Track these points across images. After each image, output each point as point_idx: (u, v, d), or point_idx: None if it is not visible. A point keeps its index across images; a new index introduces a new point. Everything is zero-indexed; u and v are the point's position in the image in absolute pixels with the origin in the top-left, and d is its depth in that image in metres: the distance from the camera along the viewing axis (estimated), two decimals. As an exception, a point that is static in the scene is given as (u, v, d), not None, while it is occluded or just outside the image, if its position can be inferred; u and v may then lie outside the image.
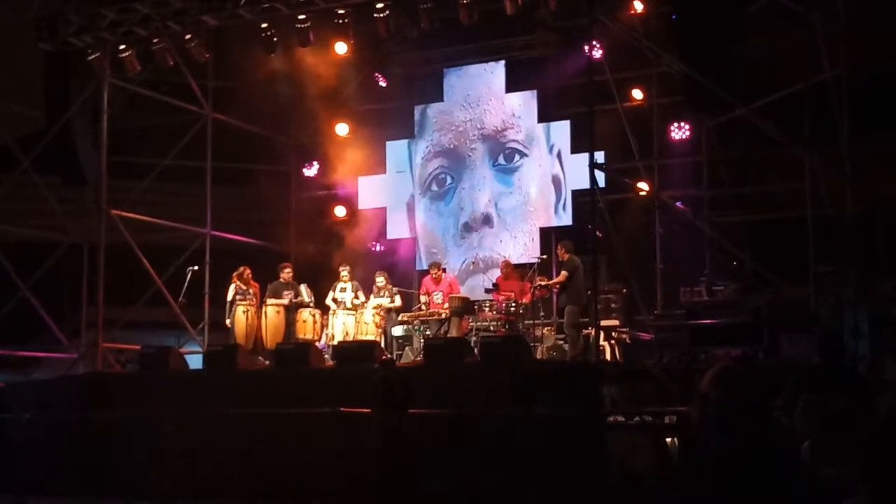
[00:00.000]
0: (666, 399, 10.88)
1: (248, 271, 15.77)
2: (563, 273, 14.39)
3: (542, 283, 14.74)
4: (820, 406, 7.54)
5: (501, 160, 18.02)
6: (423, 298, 15.80)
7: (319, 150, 19.07)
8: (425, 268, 17.24)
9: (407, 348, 15.31)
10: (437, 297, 15.45)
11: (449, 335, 14.57)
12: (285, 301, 15.65)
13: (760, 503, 7.80)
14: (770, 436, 7.91)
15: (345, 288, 15.84)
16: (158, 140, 18.12)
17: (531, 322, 14.63)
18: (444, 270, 16.21)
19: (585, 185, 13.97)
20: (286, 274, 16.06)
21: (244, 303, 15.42)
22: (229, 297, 15.63)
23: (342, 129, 18.89)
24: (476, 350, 13.35)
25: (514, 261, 16.38)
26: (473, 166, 18.22)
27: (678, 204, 16.06)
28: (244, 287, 15.60)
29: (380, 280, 15.88)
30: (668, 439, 10.87)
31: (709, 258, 15.33)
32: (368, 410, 11.27)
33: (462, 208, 18.23)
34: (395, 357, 14.47)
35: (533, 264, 15.48)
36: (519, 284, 15.03)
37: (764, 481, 7.76)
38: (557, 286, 14.64)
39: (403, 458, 10.81)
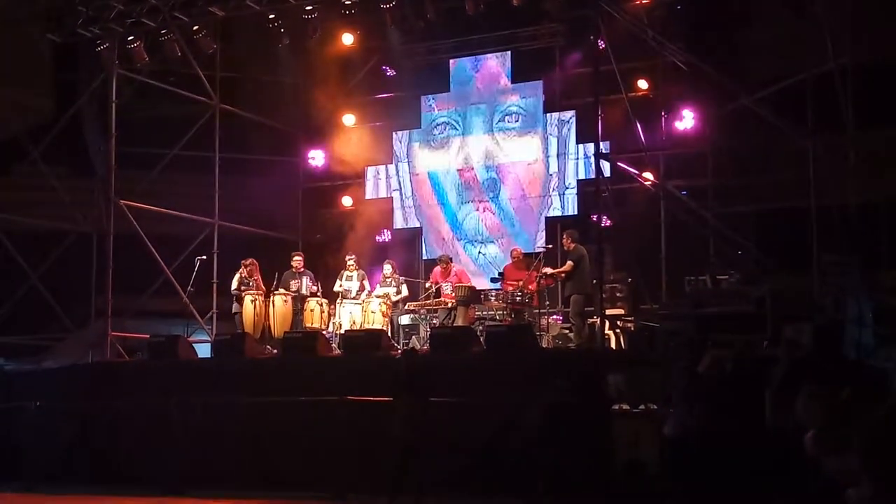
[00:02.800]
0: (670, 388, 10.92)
1: (255, 263, 15.83)
2: (569, 262, 14.42)
3: (548, 272, 14.80)
4: (824, 397, 7.59)
5: (507, 150, 18.08)
6: (427, 285, 15.88)
7: (326, 140, 19.16)
8: (430, 257, 17.32)
9: (413, 337, 15.35)
10: (447, 289, 15.53)
11: (455, 324, 14.66)
12: (290, 290, 15.76)
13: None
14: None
15: (351, 277, 15.93)
16: (166, 130, 18.13)
17: (537, 311, 14.69)
18: (452, 261, 16.27)
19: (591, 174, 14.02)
20: (297, 262, 16.15)
21: (252, 292, 15.51)
22: (234, 286, 15.72)
23: (349, 119, 19.01)
24: (482, 339, 13.43)
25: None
26: (478, 156, 18.29)
27: (682, 193, 16.08)
28: (248, 278, 15.67)
29: (387, 269, 15.97)
30: (673, 428, 10.93)
31: (713, 247, 15.36)
32: (378, 399, 11.36)
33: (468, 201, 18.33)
34: (401, 346, 14.53)
35: (538, 253, 15.52)
36: (525, 274, 15.09)
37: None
38: (563, 275, 14.70)
39: (422, 446, 10.85)
